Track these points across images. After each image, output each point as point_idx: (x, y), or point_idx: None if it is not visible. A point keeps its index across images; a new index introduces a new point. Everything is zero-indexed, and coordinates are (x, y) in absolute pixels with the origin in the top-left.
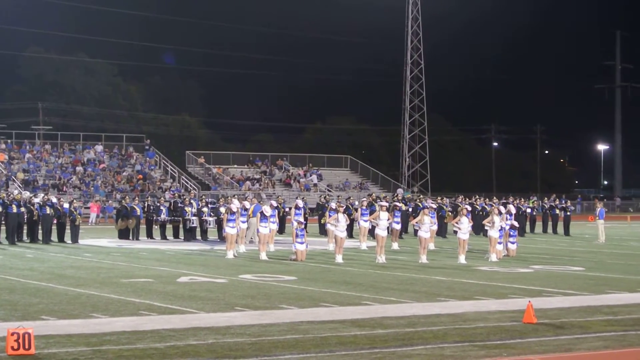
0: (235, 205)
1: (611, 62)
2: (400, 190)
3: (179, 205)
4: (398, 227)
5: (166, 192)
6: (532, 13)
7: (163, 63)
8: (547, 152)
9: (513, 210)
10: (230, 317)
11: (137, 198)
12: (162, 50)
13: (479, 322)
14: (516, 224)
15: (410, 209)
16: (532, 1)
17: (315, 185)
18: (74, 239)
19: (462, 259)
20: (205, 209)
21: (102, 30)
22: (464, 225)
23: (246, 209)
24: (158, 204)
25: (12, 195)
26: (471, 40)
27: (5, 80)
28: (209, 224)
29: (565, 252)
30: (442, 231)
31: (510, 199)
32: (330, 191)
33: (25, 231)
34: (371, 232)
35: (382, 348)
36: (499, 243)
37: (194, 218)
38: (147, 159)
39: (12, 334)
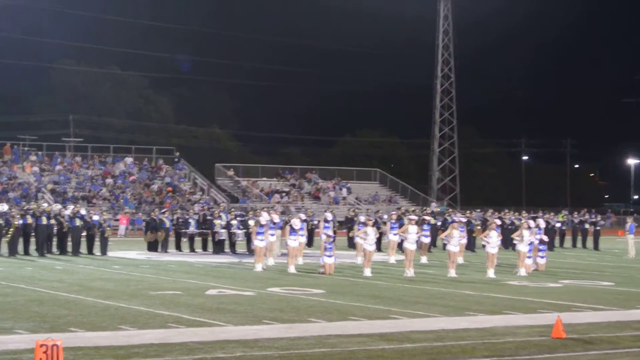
0: (264, 218)
1: None
2: (433, 204)
3: (208, 217)
4: (427, 240)
5: (195, 205)
6: (562, 26)
7: (194, 75)
8: (577, 166)
9: (542, 225)
10: (258, 330)
11: (166, 211)
12: (194, 63)
13: (507, 337)
14: (545, 238)
15: (439, 223)
16: (562, 14)
17: (344, 198)
18: (103, 251)
19: (490, 273)
20: (234, 222)
21: (133, 43)
22: (493, 239)
23: (275, 222)
24: (187, 217)
25: (42, 207)
26: (502, 53)
27: (36, 92)
28: (238, 237)
29: (594, 267)
30: (471, 245)
31: (540, 213)
32: (359, 204)
33: (54, 243)
34: (400, 246)
35: None
36: (528, 257)
37: (222, 231)
38: (177, 171)
39: (41, 346)
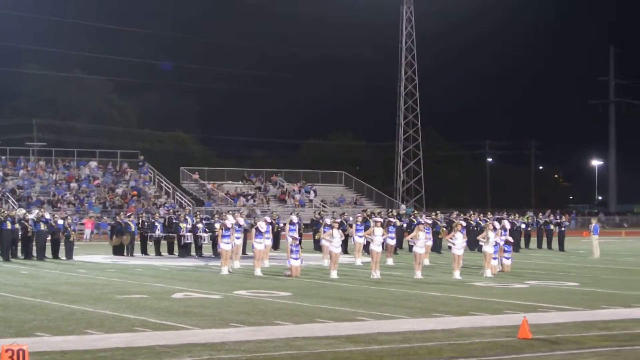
0: (229, 221)
1: (605, 77)
2: (403, 206)
3: (174, 221)
4: (393, 242)
5: (161, 208)
6: (526, 29)
7: (158, 79)
8: (541, 167)
9: (508, 226)
10: (225, 333)
11: (131, 214)
12: (158, 67)
13: (474, 338)
14: (511, 239)
15: (404, 225)
16: (526, 18)
17: (310, 201)
18: (69, 255)
19: (457, 274)
20: (200, 225)
21: (98, 47)
22: (459, 240)
23: (240, 225)
24: (153, 220)
25: (6, 212)
26: (465, 56)
27: (1, 97)
28: (204, 240)
29: (560, 268)
30: (436, 247)
31: (505, 215)
32: (324, 207)
33: (19, 248)
34: (366, 248)
35: None
36: (494, 258)
37: (188, 234)
38: (142, 175)
39: (7, 351)
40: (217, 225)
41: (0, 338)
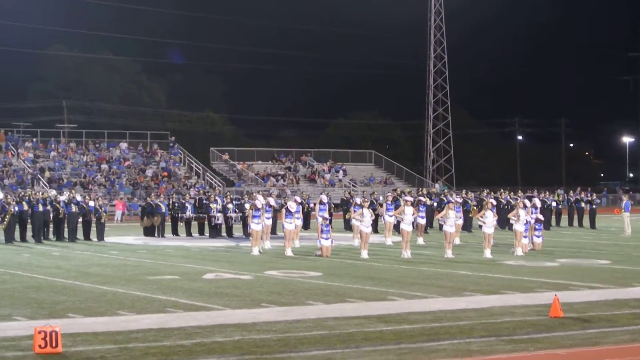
0: (259, 201)
1: (636, 53)
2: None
3: (204, 202)
4: (423, 221)
5: (191, 189)
6: (555, 4)
7: (186, 59)
8: (571, 145)
9: (538, 204)
10: (256, 314)
11: (162, 195)
12: (185, 48)
13: (505, 317)
14: (541, 217)
15: (435, 204)
16: None
17: (339, 180)
18: (100, 236)
19: (487, 253)
20: (230, 206)
21: (125, 28)
22: (489, 219)
23: (271, 206)
24: (183, 201)
25: (38, 194)
26: (494, 33)
27: (28, 78)
28: (234, 221)
29: (591, 245)
30: (467, 225)
31: (535, 193)
32: (354, 186)
33: (51, 229)
34: (396, 227)
35: (408, 343)
36: (525, 237)
37: (218, 215)
38: (172, 156)
39: (40, 332)
40: (247, 206)
41: (33, 319)
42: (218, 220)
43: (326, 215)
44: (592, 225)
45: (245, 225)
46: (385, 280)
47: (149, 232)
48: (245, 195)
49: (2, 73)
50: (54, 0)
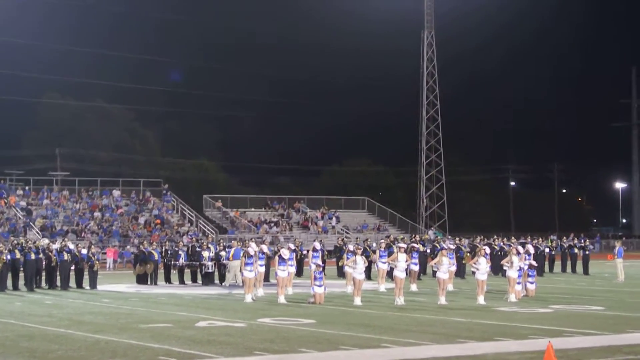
0: (252, 248)
1: (628, 100)
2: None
3: (197, 249)
4: (416, 268)
5: (184, 237)
6: (548, 53)
7: (179, 107)
8: (564, 190)
9: (531, 250)
10: None
11: (154, 243)
12: (180, 96)
13: None
14: (535, 263)
15: (428, 250)
16: (548, 41)
17: (332, 227)
18: (93, 284)
19: (481, 299)
20: (223, 253)
21: (118, 76)
22: (482, 265)
23: (264, 253)
24: (176, 249)
25: (30, 242)
26: (487, 80)
27: (22, 126)
28: (228, 268)
29: (584, 292)
30: (460, 272)
31: (529, 239)
32: (347, 233)
33: (43, 277)
34: (389, 274)
35: None
36: (518, 283)
37: (209, 264)
38: (165, 203)
39: None
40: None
41: None
42: (209, 268)
43: (319, 262)
44: (586, 271)
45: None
46: (378, 327)
47: (141, 279)
48: (239, 243)
49: None
50: (48, 49)
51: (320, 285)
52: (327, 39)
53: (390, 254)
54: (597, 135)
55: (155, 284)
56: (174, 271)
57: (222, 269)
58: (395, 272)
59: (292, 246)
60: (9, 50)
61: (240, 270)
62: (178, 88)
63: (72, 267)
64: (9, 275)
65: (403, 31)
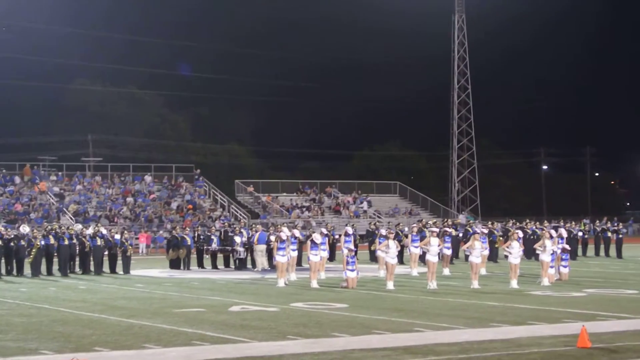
0: (285, 233)
1: None
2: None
3: (230, 234)
4: (449, 252)
5: (216, 222)
6: (579, 34)
7: (210, 92)
8: (597, 174)
9: (564, 234)
10: (282, 346)
11: (187, 228)
12: (209, 81)
13: (532, 347)
14: (568, 247)
15: (460, 234)
16: (579, 22)
17: (364, 211)
18: (126, 269)
19: (514, 283)
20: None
21: (149, 61)
22: (515, 249)
23: (296, 237)
24: (208, 234)
25: (64, 228)
26: (518, 63)
27: (54, 113)
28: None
29: (618, 275)
30: (493, 256)
31: (562, 223)
32: (379, 218)
33: (77, 263)
34: (422, 258)
35: None
36: (551, 267)
37: (241, 249)
38: (197, 188)
39: None
40: (272, 238)
41: (60, 353)
42: (241, 255)
43: (352, 246)
44: (619, 254)
45: (270, 257)
46: (411, 312)
47: (174, 264)
48: (271, 227)
49: (28, 108)
50: (78, 35)
51: (352, 270)
52: (358, 22)
53: (422, 238)
54: (631, 118)
55: (188, 268)
56: (207, 256)
57: (254, 254)
58: (428, 257)
59: (324, 231)
60: (41, 38)
61: (273, 255)
62: (206, 73)
63: (105, 253)
64: (43, 261)
65: (435, 13)
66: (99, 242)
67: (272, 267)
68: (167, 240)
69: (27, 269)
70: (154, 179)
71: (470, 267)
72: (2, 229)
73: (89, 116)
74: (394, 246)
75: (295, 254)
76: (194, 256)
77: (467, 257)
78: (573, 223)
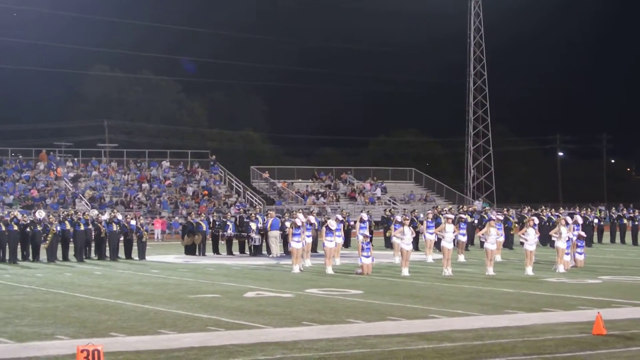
0: (300, 219)
1: None
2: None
3: (245, 220)
4: (464, 239)
5: (231, 208)
6: (594, 20)
7: (226, 78)
8: (613, 161)
9: (580, 221)
10: (297, 332)
11: (202, 214)
12: (225, 67)
13: (547, 334)
14: (583, 234)
15: (476, 221)
16: (593, 8)
17: (379, 198)
18: (141, 255)
19: (529, 270)
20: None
21: (166, 48)
22: (531, 236)
23: (311, 224)
24: (224, 220)
25: (79, 214)
26: (534, 49)
27: (71, 99)
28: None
29: (633, 262)
30: (508, 243)
31: (577, 209)
32: (395, 204)
33: (93, 248)
34: (437, 245)
35: None
36: (567, 254)
37: (257, 237)
38: (212, 174)
39: (82, 351)
40: (287, 224)
41: (76, 338)
42: (256, 242)
43: (367, 233)
44: (635, 241)
45: (285, 244)
46: (426, 298)
47: (190, 250)
48: (286, 214)
49: (45, 93)
50: (96, 21)
51: (367, 256)
52: (374, 7)
53: (437, 224)
54: None
55: (204, 254)
56: (222, 242)
57: (268, 240)
58: (443, 243)
59: (339, 217)
60: (57, 24)
61: (288, 241)
62: (224, 59)
63: (121, 238)
64: (59, 247)
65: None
66: (114, 227)
67: (287, 253)
68: (183, 226)
69: (43, 255)
70: (170, 165)
71: (485, 253)
72: (19, 214)
73: (105, 102)
74: (409, 233)
75: (310, 240)
76: (209, 242)
77: (482, 243)
78: (589, 210)
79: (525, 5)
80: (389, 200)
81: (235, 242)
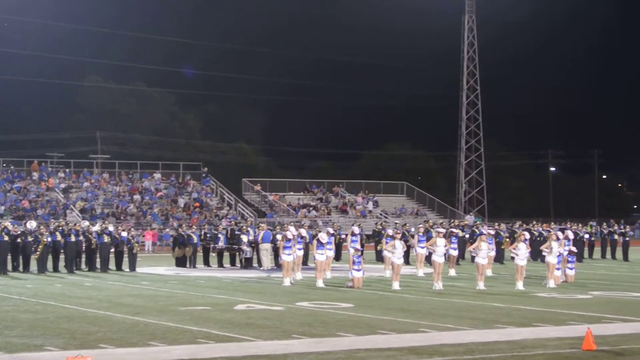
0: (291, 232)
1: None
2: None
3: (236, 232)
4: (455, 253)
5: (223, 220)
6: (586, 36)
7: (220, 91)
8: (604, 176)
9: (571, 236)
10: (287, 345)
11: (193, 226)
12: (220, 79)
13: (537, 349)
14: (574, 249)
15: (467, 235)
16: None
17: (371, 211)
18: (132, 267)
19: (519, 285)
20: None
21: (159, 59)
22: (522, 251)
23: (302, 237)
24: (215, 232)
25: (70, 224)
26: (528, 65)
27: (64, 110)
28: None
29: (624, 278)
30: (499, 257)
31: (568, 225)
32: (386, 218)
33: (83, 260)
34: (428, 259)
35: None
36: (557, 269)
37: (248, 249)
38: (204, 186)
39: None
40: (279, 237)
41: (65, 350)
42: (247, 254)
43: (358, 246)
44: (625, 257)
45: (276, 256)
46: (417, 312)
47: (180, 262)
48: (277, 227)
49: (38, 103)
50: (90, 33)
51: (358, 270)
52: (368, 21)
53: (429, 238)
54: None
55: (194, 266)
56: (213, 254)
57: (259, 252)
58: (434, 257)
59: (330, 230)
60: (51, 35)
61: (279, 254)
62: (217, 71)
63: (112, 250)
64: (50, 257)
65: (445, 14)
66: (105, 239)
67: (278, 266)
68: (174, 238)
69: (33, 266)
70: (162, 176)
71: (476, 268)
72: (9, 225)
73: (99, 113)
74: (400, 246)
75: (302, 253)
76: (200, 254)
77: (473, 258)
78: (580, 225)
79: (519, 22)
80: (381, 214)
81: (226, 254)
